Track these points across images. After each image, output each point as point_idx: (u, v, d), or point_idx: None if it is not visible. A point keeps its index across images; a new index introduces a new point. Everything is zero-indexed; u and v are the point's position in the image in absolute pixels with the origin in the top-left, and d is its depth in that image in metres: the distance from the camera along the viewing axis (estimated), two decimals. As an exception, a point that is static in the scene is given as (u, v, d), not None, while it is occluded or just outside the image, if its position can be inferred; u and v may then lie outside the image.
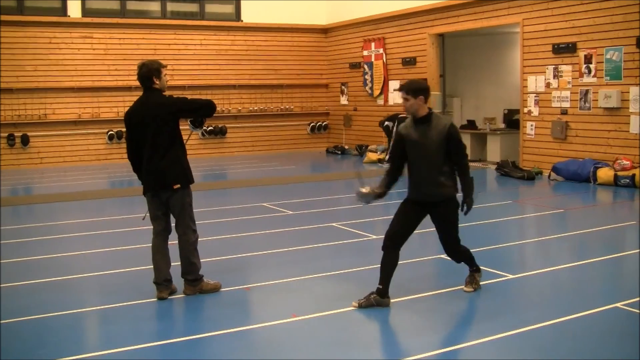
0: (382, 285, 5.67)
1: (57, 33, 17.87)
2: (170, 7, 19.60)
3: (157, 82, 5.98)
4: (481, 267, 6.27)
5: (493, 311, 5.62)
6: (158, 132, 5.89)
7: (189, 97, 6.42)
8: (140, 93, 6.11)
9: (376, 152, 17.56)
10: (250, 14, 20.27)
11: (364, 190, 5.82)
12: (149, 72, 5.94)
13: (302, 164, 17.66)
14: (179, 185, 5.94)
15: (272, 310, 5.71)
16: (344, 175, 15.30)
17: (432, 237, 7.88)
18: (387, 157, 16.67)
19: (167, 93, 6.10)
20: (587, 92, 13.10)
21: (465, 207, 5.69)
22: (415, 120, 5.68)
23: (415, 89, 5.58)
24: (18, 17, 17.40)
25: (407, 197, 5.83)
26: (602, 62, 12.74)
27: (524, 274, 6.69)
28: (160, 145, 5.90)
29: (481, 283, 6.17)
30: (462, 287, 6.09)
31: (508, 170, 13.91)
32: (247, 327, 5.31)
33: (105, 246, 8.14)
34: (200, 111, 6.18)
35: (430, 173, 5.63)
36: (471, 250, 7.21)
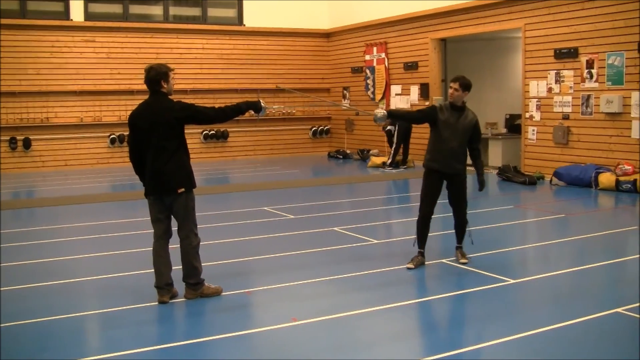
0: (423, 249, 7.15)
1: (60, 37, 17.90)
2: (173, 11, 19.65)
3: (165, 86, 5.98)
4: (481, 272, 6.61)
5: (493, 315, 5.62)
6: (165, 136, 5.89)
7: (192, 103, 6.42)
8: (143, 96, 6.12)
9: (378, 156, 17.60)
10: (252, 18, 20.31)
11: (380, 113, 6.81)
12: (158, 76, 5.94)
13: (303, 168, 17.67)
14: (183, 190, 5.96)
15: (273, 315, 5.70)
16: (346, 180, 15.30)
17: (433, 242, 7.91)
18: (390, 160, 16.67)
19: (171, 97, 6.11)
20: (589, 97, 13.11)
21: (479, 185, 7.10)
22: (452, 106, 6.93)
23: (466, 85, 6.87)
24: (20, 21, 17.44)
25: (430, 168, 7.02)
26: (604, 67, 12.75)
27: (525, 279, 6.68)
28: (166, 149, 5.90)
29: (481, 288, 6.30)
30: (460, 260, 7.17)
31: (510, 175, 13.90)
32: (248, 331, 5.32)
33: (106, 250, 8.14)
34: (211, 122, 6.23)
35: (456, 150, 6.90)
36: (472, 255, 7.29)
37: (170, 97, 6.04)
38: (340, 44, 21.00)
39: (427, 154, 7.08)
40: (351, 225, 9.37)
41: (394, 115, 7.12)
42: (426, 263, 7.16)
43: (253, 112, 6.37)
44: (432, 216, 7.13)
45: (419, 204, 7.17)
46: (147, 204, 6.10)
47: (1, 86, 17.04)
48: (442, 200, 7.19)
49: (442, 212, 7.69)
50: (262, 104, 6.31)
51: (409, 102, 18.10)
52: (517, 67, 16.08)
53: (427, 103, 17.39)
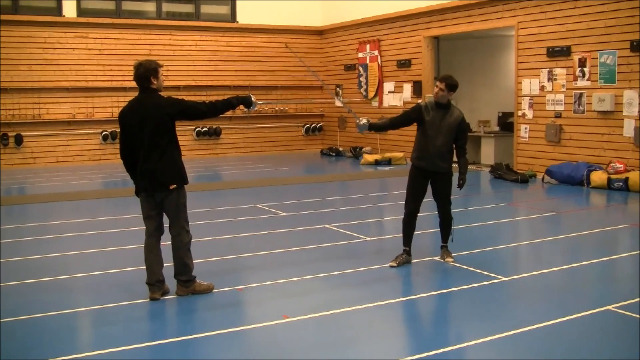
0: (409, 247, 7.08)
1: (52, 33, 17.84)
2: (166, 7, 19.60)
3: (155, 82, 5.95)
4: (474, 269, 6.69)
5: (485, 313, 5.63)
6: (156, 133, 5.86)
7: (182, 98, 6.39)
8: (135, 93, 6.09)
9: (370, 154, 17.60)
10: (245, 15, 20.28)
11: (362, 121, 7.08)
12: (147, 72, 5.91)
13: (296, 166, 17.66)
14: (175, 186, 5.94)
15: (264, 312, 5.70)
16: (338, 177, 15.30)
17: (424, 239, 7.92)
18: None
19: (162, 93, 6.09)
20: (581, 95, 13.14)
21: (460, 182, 6.89)
22: (437, 104, 6.89)
23: (452, 85, 6.84)
24: (13, 17, 17.35)
25: (415, 166, 6.99)
26: (597, 65, 12.79)
27: (517, 276, 6.70)
28: (157, 146, 5.88)
29: (474, 285, 6.31)
30: (446, 260, 7.14)
31: (502, 173, 13.93)
32: (240, 328, 5.31)
33: (98, 247, 8.13)
34: (202, 117, 6.18)
35: (441, 149, 6.84)
36: (464, 252, 7.31)
37: (160, 93, 6.02)
38: (333, 41, 20.99)
39: (413, 151, 7.08)
40: (343, 222, 9.37)
41: (376, 128, 7.19)
42: (417, 260, 7.16)
43: (244, 107, 6.37)
44: (420, 214, 7.12)
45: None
46: (139, 201, 6.09)
47: (-7, 82, 16.99)
48: (432, 199, 7.19)
49: (432, 209, 7.69)
50: (252, 99, 6.32)
51: (401, 99, 18.11)
52: (510, 65, 16.10)
53: (419, 101, 17.41)
